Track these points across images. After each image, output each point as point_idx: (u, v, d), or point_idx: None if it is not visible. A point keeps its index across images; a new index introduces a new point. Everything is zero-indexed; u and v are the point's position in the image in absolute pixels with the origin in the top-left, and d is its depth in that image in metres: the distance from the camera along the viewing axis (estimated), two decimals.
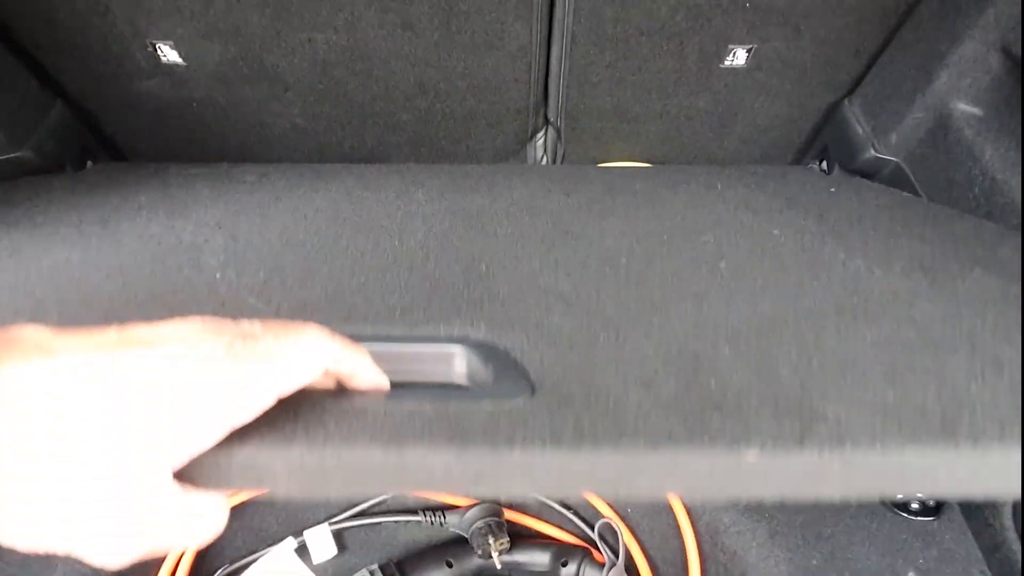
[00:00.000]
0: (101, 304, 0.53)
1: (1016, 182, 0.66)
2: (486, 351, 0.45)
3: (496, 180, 0.88)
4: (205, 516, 0.33)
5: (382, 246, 0.62)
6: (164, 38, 0.83)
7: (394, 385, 0.41)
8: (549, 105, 0.98)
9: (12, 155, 0.83)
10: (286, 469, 0.35)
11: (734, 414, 0.37)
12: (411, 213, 0.73)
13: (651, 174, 0.94)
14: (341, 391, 0.39)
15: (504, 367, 0.43)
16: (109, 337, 0.30)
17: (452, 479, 0.35)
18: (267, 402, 0.33)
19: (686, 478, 0.35)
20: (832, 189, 0.86)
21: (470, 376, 0.45)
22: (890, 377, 0.41)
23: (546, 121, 1.02)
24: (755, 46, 0.84)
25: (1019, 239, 0.65)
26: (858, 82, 0.89)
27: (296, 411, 0.36)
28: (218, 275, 0.57)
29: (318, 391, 0.38)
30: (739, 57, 0.87)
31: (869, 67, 0.87)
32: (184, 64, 0.87)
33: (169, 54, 0.85)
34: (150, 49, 0.85)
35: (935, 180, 0.77)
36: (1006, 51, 0.67)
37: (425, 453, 0.35)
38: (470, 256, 0.59)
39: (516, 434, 0.36)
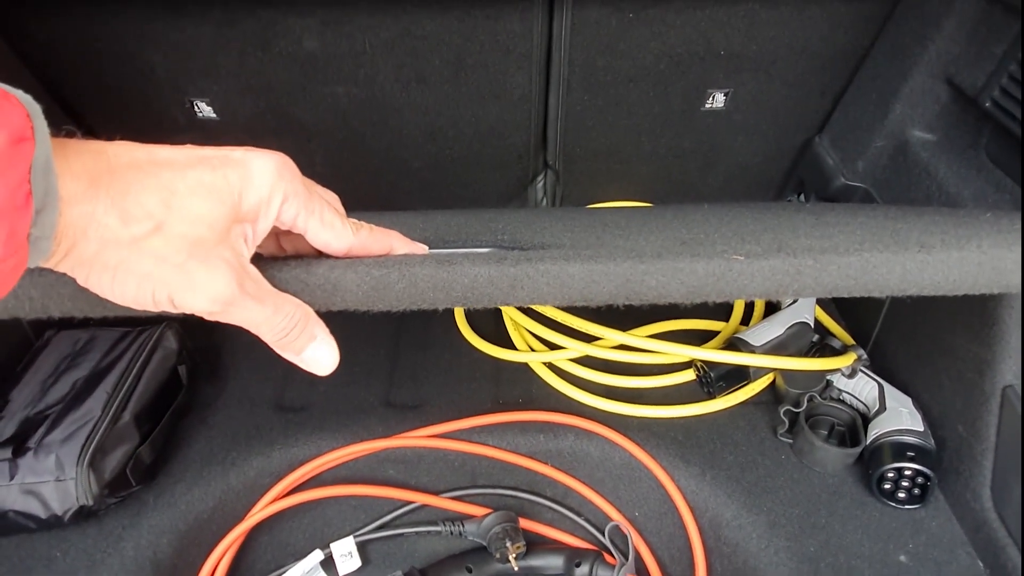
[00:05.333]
0: None
1: (968, 192, 0.74)
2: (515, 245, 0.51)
3: (499, 223, 0.96)
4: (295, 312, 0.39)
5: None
6: (201, 96, 0.93)
7: None
8: (548, 149, 1.07)
9: None
10: (356, 283, 0.41)
11: (726, 248, 0.45)
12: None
13: (645, 212, 1.02)
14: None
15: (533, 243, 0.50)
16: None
17: (494, 287, 0.42)
18: (310, 215, 0.40)
19: (686, 280, 0.43)
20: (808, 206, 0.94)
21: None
22: (848, 240, 0.49)
23: (545, 165, 1.11)
24: (732, 90, 0.94)
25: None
26: (826, 120, 0.99)
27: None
28: None
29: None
30: (718, 100, 0.96)
31: (835, 105, 0.96)
32: (218, 119, 0.96)
33: (204, 110, 0.95)
34: (187, 106, 0.94)
35: (899, 200, 0.85)
36: (950, 81, 0.77)
37: (471, 267, 0.42)
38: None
39: (546, 256, 0.42)
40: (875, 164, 0.89)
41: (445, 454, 0.87)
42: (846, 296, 0.46)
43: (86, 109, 0.95)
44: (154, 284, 0.34)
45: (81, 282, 0.34)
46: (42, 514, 0.71)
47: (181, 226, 0.33)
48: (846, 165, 0.93)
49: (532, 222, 0.70)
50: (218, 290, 0.35)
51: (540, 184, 1.14)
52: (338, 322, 0.43)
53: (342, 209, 0.43)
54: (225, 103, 0.94)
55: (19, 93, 0.30)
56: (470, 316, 1.04)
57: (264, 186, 0.36)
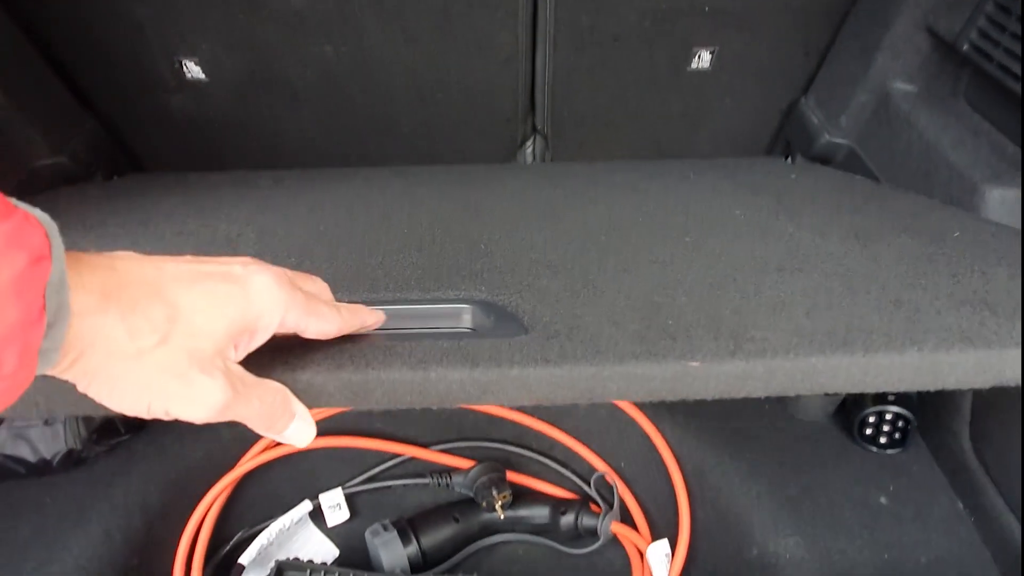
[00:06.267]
0: None
1: (947, 140, 0.75)
2: (487, 307, 0.54)
3: (491, 176, 0.97)
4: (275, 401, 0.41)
5: (394, 232, 0.71)
6: (190, 54, 0.93)
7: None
8: (536, 114, 1.07)
9: (51, 160, 0.92)
10: (337, 388, 0.45)
11: (683, 340, 0.47)
12: (417, 205, 0.82)
13: (631, 167, 1.03)
14: (378, 335, 0.49)
15: (503, 317, 0.52)
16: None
17: (465, 392, 0.45)
18: (305, 322, 0.42)
19: (645, 385, 0.46)
20: (793, 176, 0.95)
21: (476, 326, 0.54)
22: (810, 313, 0.51)
23: (534, 129, 1.11)
24: (717, 48, 0.95)
25: (947, 211, 0.74)
26: (811, 81, 1.00)
27: (343, 346, 0.46)
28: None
29: (362, 336, 0.48)
30: (704, 59, 0.97)
31: (819, 66, 0.97)
32: (206, 80, 0.96)
33: (193, 70, 0.95)
34: (176, 66, 0.95)
35: (881, 153, 0.86)
36: (930, 30, 0.77)
37: (445, 372, 0.45)
38: (471, 237, 0.68)
39: (515, 357, 0.46)
40: (858, 119, 0.89)
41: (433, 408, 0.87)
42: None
43: (77, 72, 0.96)
44: (152, 395, 0.36)
45: (81, 389, 0.36)
46: (31, 458, 0.72)
47: (184, 339, 0.35)
48: (830, 122, 0.94)
49: (515, 225, 0.72)
50: (216, 399, 0.37)
51: (529, 149, 1.14)
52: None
53: (330, 294, 0.46)
54: (214, 63, 0.94)
55: (38, 212, 0.32)
56: None
57: (264, 302, 0.39)
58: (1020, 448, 0.66)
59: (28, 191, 0.92)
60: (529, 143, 1.14)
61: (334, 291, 0.48)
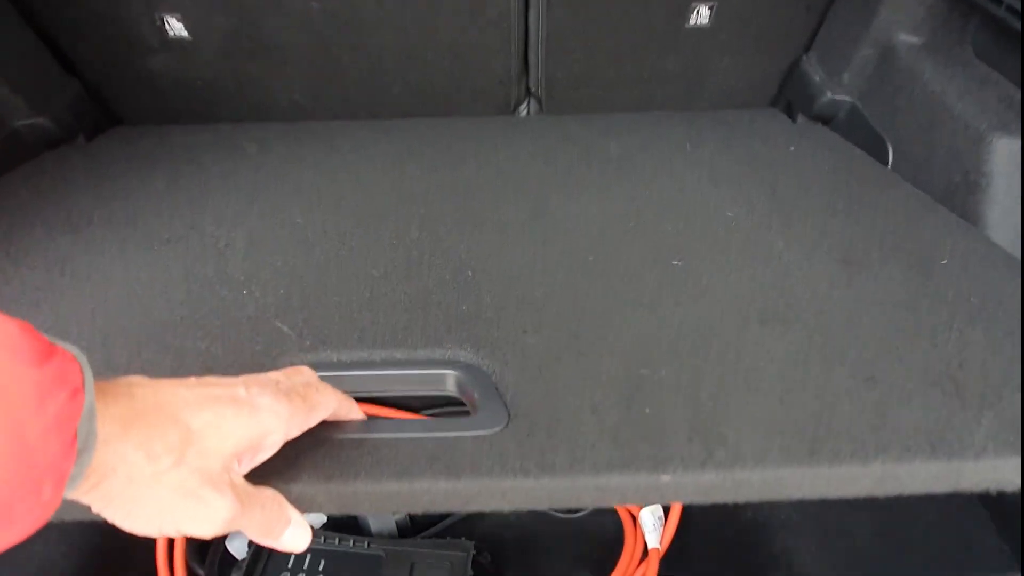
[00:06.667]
0: (149, 328, 0.61)
1: (953, 90, 0.72)
2: (471, 374, 0.56)
3: (480, 152, 0.94)
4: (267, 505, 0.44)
5: (384, 254, 0.72)
6: (171, 10, 0.91)
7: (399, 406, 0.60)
8: (529, 75, 1.05)
9: (31, 120, 0.90)
10: (327, 499, 0.47)
11: (658, 441, 0.49)
12: (405, 201, 0.82)
13: (627, 127, 1.00)
14: (364, 439, 0.50)
15: (486, 395, 0.54)
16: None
17: (448, 502, 0.48)
18: (307, 427, 0.46)
19: (619, 495, 0.48)
20: (792, 148, 0.93)
21: (460, 393, 0.57)
22: (784, 399, 0.52)
23: (528, 92, 1.09)
24: (715, 3, 0.92)
25: (939, 215, 0.74)
26: (812, 38, 0.97)
27: (331, 451, 0.48)
28: (245, 292, 0.66)
29: (348, 439, 0.50)
30: (702, 15, 0.94)
31: (821, 22, 0.94)
32: (190, 38, 0.94)
33: (175, 27, 0.93)
34: (158, 24, 0.92)
35: (885, 109, 0.83)
36: None
37: (429, 484, 0.47)
38: (459, 258, 0.70)
39: (495, 469, 0.47)
40: (860, 74, 0.87)
41: None
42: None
43: (57, 31, 0.93)
44: (165, 516, 0.39)
45: (96, 510, 0.38)
46: None
47: (196, 459, 0.39)
48: (832, 79, 0.91)
49: (501, 243, 0.73)
50: (225, 515, 0.39)
51: (524, 112, 1.12)
52: None
53: (316, 378, 0.49)
54: (197, 20, 0.92)
55: (69, 346, 0.35)
56: None
57: (270, 422, 0.42)
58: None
59: (8, 152, 0.90)
60: (523, 107, 1.11)
61: (324, 347, 0.55)
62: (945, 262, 0.66)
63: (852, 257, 0.68)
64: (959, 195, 0.71)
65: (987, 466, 0.47)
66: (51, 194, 0.83)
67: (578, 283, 0.66)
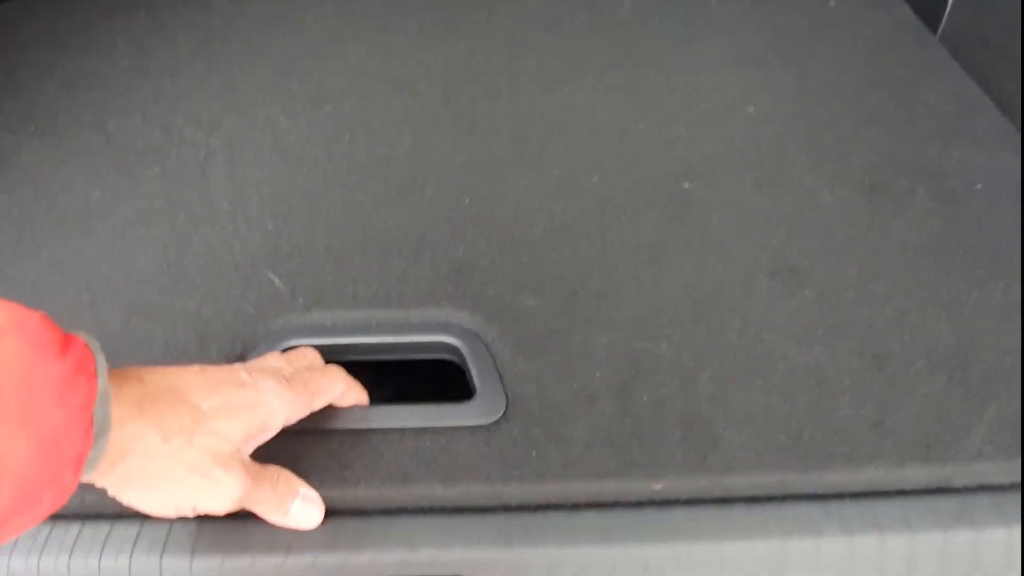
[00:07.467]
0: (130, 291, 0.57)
1: None
2: (470, 343, 0.54)
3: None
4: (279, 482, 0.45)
5: (375, 170, 0.66)
6: None
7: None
8: None
9: None
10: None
11: (651, 443, 0.47)
12: (395, 86, 0.75)
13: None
14: (361, 435, 0.50)
15: (484, 372, 0.51)
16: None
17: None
18: (310, 411, 0.47)
19: (611, 499, 0.46)
20: (831, 2, 0.86)
21: (458, 360, 0.54)
22: (782, 384, 0.50)
23: None
24: None
25: (985, 115, 0.69)
26: None
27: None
28: (231, 227, 0.62)
29: (347, 432, 0.50)
30: None
31: None
32: None
33: None
34: None
35: None
36: None
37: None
38: (453, 180, 0.65)
39: (492, 470, 0.46)
40: None
41: None
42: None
43: None
44: (180, 494, 0.40)
45: (112, 493, 0.40)
46: None
47: (207, 439, 0.40)
48: None
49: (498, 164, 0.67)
50: (237, 491, 0.41)
51: None
52: None
53: (320, 360, 0.50)
54: None
55: (88, 338, 0.37)
56: None
57: (273, 405, 0.44)
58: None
59: None
60: None
61: (322, 305, 0.54)
62: (979, 187, 0.62)
63: (878, 181, 0.63)
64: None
65: (982, 469, 0.46)
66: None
67: (578, 220, 0.61)
